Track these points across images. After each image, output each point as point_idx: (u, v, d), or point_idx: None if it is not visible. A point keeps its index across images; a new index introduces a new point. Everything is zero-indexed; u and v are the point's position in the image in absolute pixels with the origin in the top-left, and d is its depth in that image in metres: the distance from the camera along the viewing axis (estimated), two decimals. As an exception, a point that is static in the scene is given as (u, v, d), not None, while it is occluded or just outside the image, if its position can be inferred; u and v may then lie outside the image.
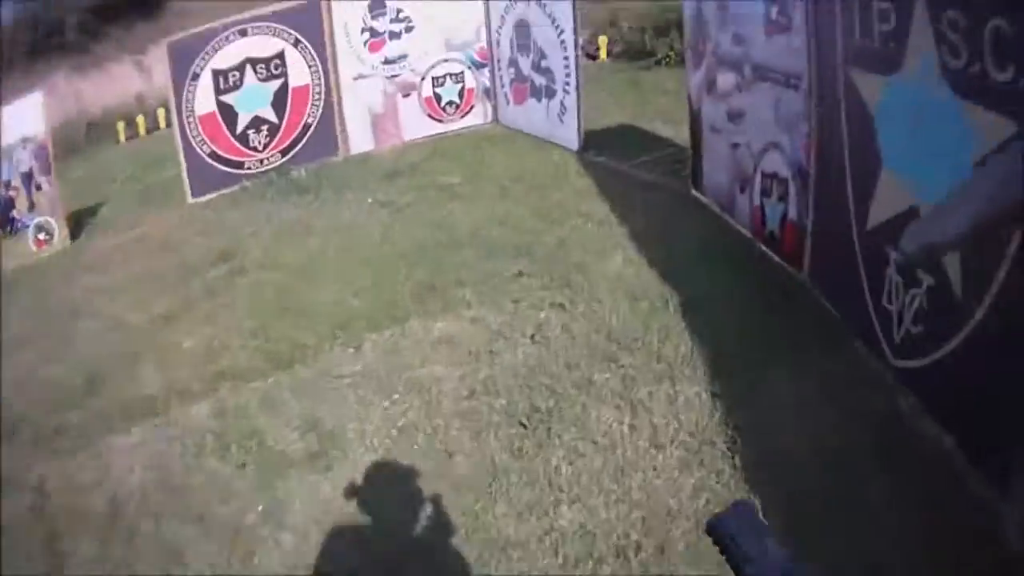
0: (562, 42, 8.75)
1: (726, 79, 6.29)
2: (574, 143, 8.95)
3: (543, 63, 9.24)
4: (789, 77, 5.27)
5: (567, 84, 8.87)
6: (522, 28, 9.57)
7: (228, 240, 7.90)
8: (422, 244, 6.94)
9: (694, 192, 7.33)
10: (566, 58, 8.75)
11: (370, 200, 8.31)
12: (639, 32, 15.87)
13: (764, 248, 5.86)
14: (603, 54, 16.32)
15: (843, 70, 4.39)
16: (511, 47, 9.95)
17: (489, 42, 10.42)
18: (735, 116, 6.24)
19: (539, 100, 9.47)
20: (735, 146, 6.31)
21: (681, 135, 9.60)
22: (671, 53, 14.76)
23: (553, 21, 8.82)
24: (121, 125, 18.55)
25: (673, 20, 14.94)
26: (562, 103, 9.01)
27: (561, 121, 9.13)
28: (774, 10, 5.36)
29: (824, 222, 4.94)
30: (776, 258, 5.68)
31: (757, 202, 5.97)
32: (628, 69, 14.98)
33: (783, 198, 5.56)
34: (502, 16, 9.97)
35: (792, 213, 5.43)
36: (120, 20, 25.30)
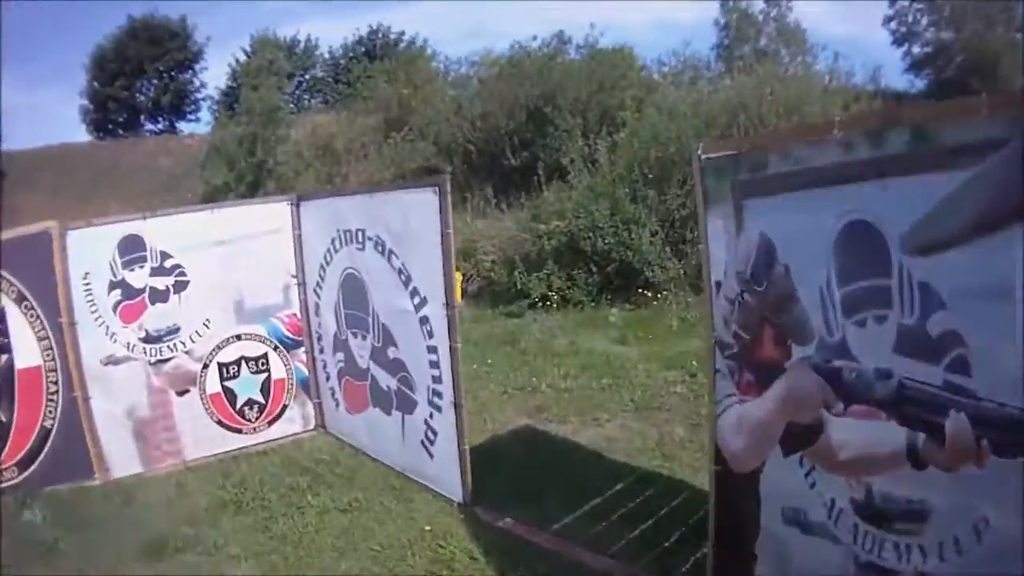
0: (423, 320, 4.96)
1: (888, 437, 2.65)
2: (456, 492, 5.04)
3: (391, 352, 5.39)
4: None
5: (436, 393, 4.97)
6: (353, 288, 5.83)
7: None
8: None
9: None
10: (433, 348, 4.89)
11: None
12: (505, 266, 12.53)
13: None
14: (458, 294, 12.91)
15: None
16: (337, 318, 6.15)
17: (304, 307, 6.61)
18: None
19: (388, 412, 5.56)
20: None
21: (616, 442, 6.20)
22: (551, 293, 11.51)
23: (406, 281, 5.08)
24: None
25: (551, 250, 11.91)
26: (428, 424, 5.10)
27: (429, 454, 5.22)
28: None
29: None
30: None
31: None
32: (494, 317, 11.59)
33: None
34: (322, 266, 6.22)
35: None
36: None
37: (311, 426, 6.93)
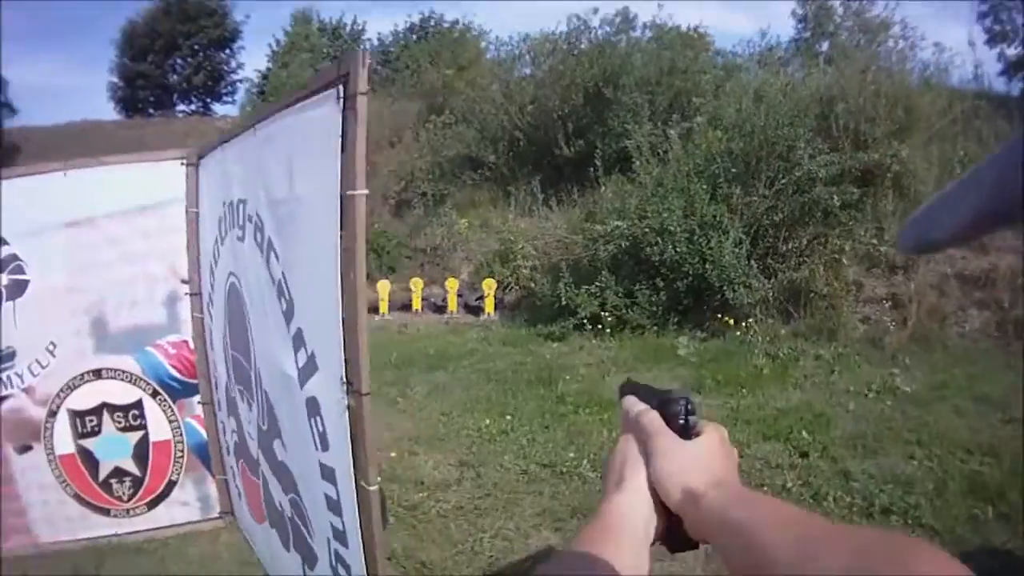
0: (311, 405, 2.13)
1: None
2: None
3: (277, 449, 2.65)
4: None
5: (340, 560, 2.14)
6: (236, 311, 3.21)
7: None
8: None
9: None
10: (330, 473, 2.04)
11: None
12: (549, 274, 9.96)
13: None
14: (490, 306, 10.43)
15: None
16: (225, 360, 3.56)
17: (201, 332, 4.07)
18: None
19: (285, 546, 2.91)
20: None
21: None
22: (603, 312, 8.88)
23: (288, 314, 2.32)
24: None
25: (607, 257, 9.27)
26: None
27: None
28: None
29: None
30: None
31: None
32: (530, 338, 9.01)
33: None
34: (211, 267, 3.66)
35: None
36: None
37: (214, 513, 4.43)
